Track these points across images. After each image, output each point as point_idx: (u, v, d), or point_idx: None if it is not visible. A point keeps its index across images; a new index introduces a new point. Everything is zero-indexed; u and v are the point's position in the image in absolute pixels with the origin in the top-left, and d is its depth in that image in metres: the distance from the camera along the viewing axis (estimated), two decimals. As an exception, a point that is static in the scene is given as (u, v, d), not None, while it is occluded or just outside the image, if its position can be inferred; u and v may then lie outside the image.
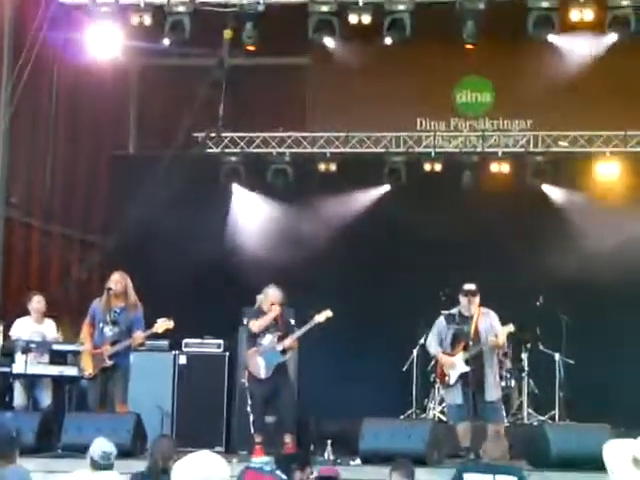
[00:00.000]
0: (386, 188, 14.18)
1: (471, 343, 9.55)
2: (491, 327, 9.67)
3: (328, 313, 9.93)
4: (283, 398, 9.83)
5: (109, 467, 7.28)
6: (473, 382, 9.46)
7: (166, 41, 11.87)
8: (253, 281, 12.75)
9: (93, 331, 10.05)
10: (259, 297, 10.15)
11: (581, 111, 13.95)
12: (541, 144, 14.11)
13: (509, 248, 13.27)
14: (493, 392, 9.62)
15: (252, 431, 9.81)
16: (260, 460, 7.54)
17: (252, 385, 9.93)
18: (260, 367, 9.89)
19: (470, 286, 9.73)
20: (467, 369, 9.49)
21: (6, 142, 13.12)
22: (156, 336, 10.49)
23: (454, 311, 9.83)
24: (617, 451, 3.77)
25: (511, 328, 9.70)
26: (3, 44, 13.08)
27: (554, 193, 13.83)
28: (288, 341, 9.91)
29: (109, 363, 9.85)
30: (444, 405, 11.27)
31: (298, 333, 9.92)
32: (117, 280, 10.00)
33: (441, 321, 9.85)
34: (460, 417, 9.59)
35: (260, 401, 9.82)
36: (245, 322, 10.29)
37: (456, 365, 9.58)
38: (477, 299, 9.70)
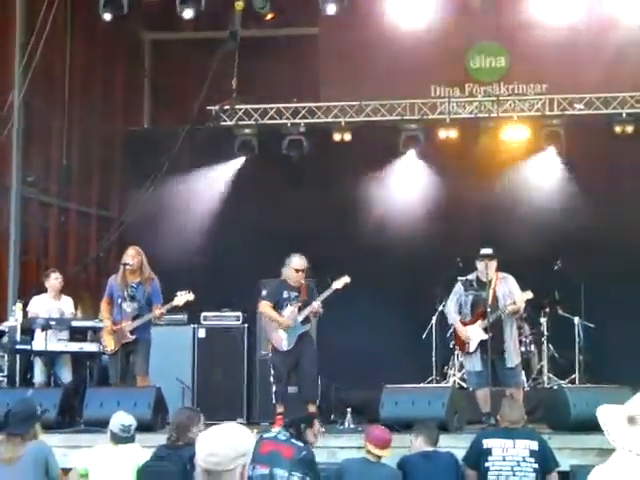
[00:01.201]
0: (403, 155, 14.11)
1: (489, 310, 9.53)
2: (509, 293, 9.64)
3: (346, 279, 9.90)
4: (305, 367, 9.81)
5: (130, 440, 7.35)
6: (492, 349, 9.44)
7: (188, 13, 11.68)
8: (269, 253, 12.80)
9: (112, 308, 10.07)
10: (284, 270, 10.08)
11: (596, 73, 13.80)
12: (557, 107, 14.00)
13: (526, 212, 13.22)
14: (513, 358, 9.61)
15: (274, 401, 9.81)
16: (274, 430, 7.54)
17: (275, 356, 9.93)
18: (282, 339, 9.88)
19: (487, 250, 9.70)
20: (486, 336, 9.47)
21: (21, 120, 13.15)
22: (175, 310, 10.51)
23: (471, 277, 9.80)
24: (612, 412, 3.77)
25: (529, 295, 9.66)
26: (15, 20, 13.10)
27: (570, 157, 13.73)
28: (307, 311, 9.89)
29: (131, 338, 9.88)
30: (464, 372, 11.28)
31: (316, 302, 9.89)
32: (132, 255, 10.01)
33: (459, 287, 9.83)
34: (480, 383, 9.59)
35: (283, 372, 9.81)
36: (262, 295, 10.28)
37: (475, 333, 9.57)
38: (494, 264, 9.67)
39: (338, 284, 9.88)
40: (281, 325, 9.83)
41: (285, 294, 9.96)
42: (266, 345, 11.62)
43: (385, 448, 7.40)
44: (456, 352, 11.72)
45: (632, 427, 3.82)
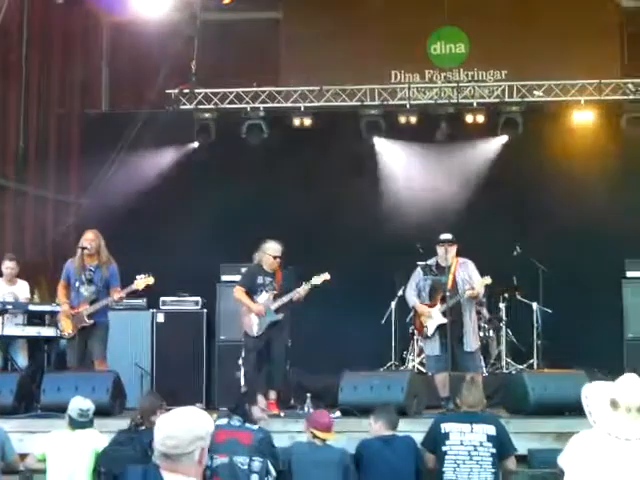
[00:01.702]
0: (363, 140, 14.10)
1: (448, 294, 9.56)
2: (469, 278, 9.68)
3: (326, 276, 9.86)
4: (273, 352, 9.80)
5: (88, 424, 7.30)
6: (451, 333, 9.48)
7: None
8: (227, 237, 12.76)
9: (68, 292, 9.98)
10: (256, 254, 10.01)
11: (556, 60, 13.89)
12: (516, 94, 14.06)
13: (485, 198, 13.27)
14: (472, 342, 9.66)
15: (241, 383, 9.78)
16: (224, 418, 7.50)
17: (246, 339, 9.93)
18: (253, 324, 9.85)
19: (446, 236, 9.73)
20: (445, 320, 9.51)
21: (-24, 104, 12.98)
22: (134, 294, 10.44)
23: (431, 262, 9.83)
24: (595, 393, 3.81)
25: (488, 280, 9.70)
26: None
27: (527, 143, 13.81)
28: (285, 299, 9.83)
29: (89, 322, 9.79)
30: (423, 356, 11.33)
31: (289, 295, 9.83)
32: (91, 239, 9.92)
33: (418, 272, 9.85)
34: (439, 368, 9.63)
35: (252, 356, 9.79)
36: (239, 281, 10.17)
37: (434, 316, 9.61)
38: (454, 249, 9.70)
39: (317, 280, 9.85)
40: (252, 312, 9.79)
41: (260, 279, 9.91)
42: (225, 330, 11.65)
43: (328, 431, 7.44)
44: (415, 337, 11.77)
45: (614, 411, 3.87)
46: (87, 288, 9.86)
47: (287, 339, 10.03)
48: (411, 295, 9.88)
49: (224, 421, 7.32)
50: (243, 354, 9.91)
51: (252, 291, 9.92)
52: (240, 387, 9.62)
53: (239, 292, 9.99)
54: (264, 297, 9.87)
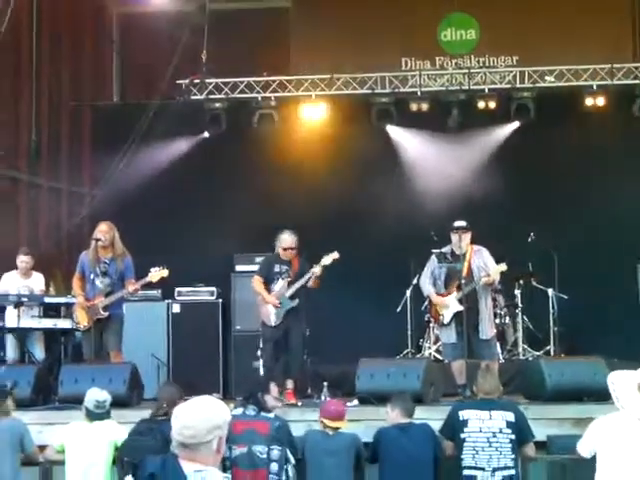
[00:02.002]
0: (375, 128, 14.08)
1: (463, 282, 9.53)
2: (484, 265, 9.64)
3: (335, 255, 9.85)
4: (290, 342, 9.81)
5: (104, 416, 7.32)
6: (467, 321, 9.46)
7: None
8: (242, 227, 12.77)
9: (83, 284, 9.97)
10: (275, 244, 10.06)
11: (567, 44, 13.83)
12: (527, 80, 14.01)
13: (499, 185, 13.23)
14: (488, 330, 9.62)
15: (262, 374, 9.80)
16: (239, 408, 7.51)
17: (264, 329, 9.95)
18: (270, 314, 9.87)
19: (460, 223, 9.69)
20: (461, 308, 9.48)
21: (-12, 96, 13.00)
22: (149, 286, 10.42)
23: (446, 249, 9.80)
24: (622, 379, 3.82)
25: (503, 267, 9.66)
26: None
27: (541, 128, 13.77)
28: (299, 284, 9.83)
29: (104, 315, 9.78)
30: (439, 344, 11.32)
31: (302, 280, 9.82)
32: (104, 231, 9.91)
33: (433, 260, 9.83)
34: (455, 355, 9.61)
35: (271, 344, 9.81)
36: (256, 270, 10.19)
37: (449, 304, 9.58)
38: (468, 236, 9.67)
39: (327, 260, 9.82)
40: (267, 303, 9.79)
41: (276, 267, 9.96)
42: (240, 320, 11.66)
43: (340, 420, 7.49)
44: (431, 325, 11.75)
45: None
46: (102, 280, 9.85)
47: (305, 328, 10.06)
48: (426, 284, 9.85)
49: (239, 411, 7.34)
50: (261, 344, 9.94)
51: (269, 280, 9.95)
52: (258, 377, 9.59)
53: (256, 282, 10.02)
54: (279, 285, 9.90)
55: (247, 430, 7.14)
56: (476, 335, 9.53)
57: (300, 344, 9.92)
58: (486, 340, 9.60)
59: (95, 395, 7.43)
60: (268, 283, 9.93)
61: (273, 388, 7.54)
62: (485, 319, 9.62)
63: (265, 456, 7.12)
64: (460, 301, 9.51)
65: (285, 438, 7.25)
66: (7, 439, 7.01)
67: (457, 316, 9.53)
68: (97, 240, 9.86)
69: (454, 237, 9.69)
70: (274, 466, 7.12)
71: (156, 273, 9.91)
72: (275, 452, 7.13)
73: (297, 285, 9.85)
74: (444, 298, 9.62)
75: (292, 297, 9.86)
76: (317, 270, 9.79)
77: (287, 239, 9.92)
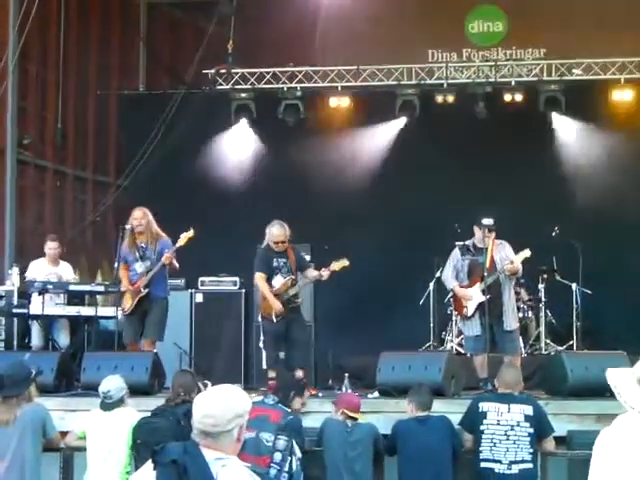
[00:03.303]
0: (402, 121, 14.04)
1: (486, 273, 9.49)
2: (506, 256, 9.58)
3: (344, 262, 9.59)
4: (294, 333, 9.65)
5: (115, 405, 7.34)
6: (490, 312, 9.41)
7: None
8: (268, 217, 12.75)
9: (129, 273, 9.96)
10: (266, 237, 9.79)
11: (595, 38, 13.74)
12: (554, 73, 13.93)
13: (523, 179, 13.18)
14: (511, 322, 9.54)
15: (265, 366, 9.73)
16: (260, 395, 7.54)
17: (264, 322, 9.77)
18: (272, 310, 9.66)
19: (488, 221, 9.56)
20: (484, 299, 9.43)
21: (15, 83, 13.06)
22: (174, 274, 10.31)
23: (468, 242, 9.76)
24: (621, 374, 3.79)
25: (527, 253, 9.54)
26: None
27: (568, 122, 13.69)
28: (297, 288, 9.64)
29: (144, 292, 9.76)
30: (461, 337, 11.29)
31: (304, 282, 9.70)
32: (140, 217, 9.88)
33: (456, 253, 9.78)
34: (477, 348, 9.56)
35: (272, 337, 9.66)
36: (256, 267, 9.93)
37: (473, 296, 9.53)
38: (493, 235, 9.59)
39: (336, 266, 9.58)
40: (273, 308, 9.54)
41: (274, 262, 9.68)
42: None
43: (358, 412, 7.58)
44: (454, 318, 11.72)
45: None
46: (141, 264, 9.85)
47: (304, 319, 9.90)
48: (449, 277, 9.80)
49: (259, 399, 7.38)
50: (263, 337, 9.74)
51: (268, 275, 9.68)
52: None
53: (261, 280, 9.69)
54: (279, 281, 9.62)
55: (259, 416, 7.17)
56: (500, 326, 9.48)
57: (305, 335, 9.82)
58: (510, 332, 9.53)
59: (101, 386, 7.48)
60: (267, 278, 9.69)
61: (305, 394, 7.56)
62: (509, 310, 9.55)
63: (270, 444, 7.16)
64: (483, 292, 9.45)
65: (294, 430, 7.28)
66: (29, 425, 7.06)
67: (481, 308, 9.48)
68: (132, 227, 9.85)
69: (478, 233, 9.62)
70: (277, 455, 7.14)
71: (183, 237, 9.85)
72: (281, 442, 7.15)
73: (301, 285, 9.72)
74: (467, 290, 9.58)
75: (295, 296, 9.66)
76: (325, 275, 9.61)
77: (278, 234, 9.60)
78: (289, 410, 7.34)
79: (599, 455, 3.75)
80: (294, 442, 7.22)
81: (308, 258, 10.26)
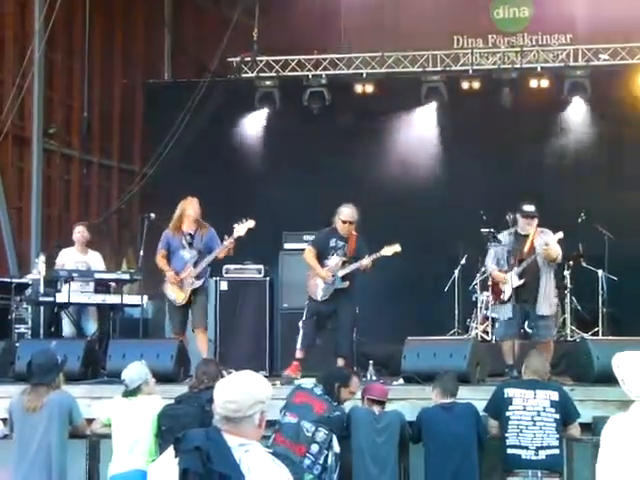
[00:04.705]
0: (429, 107, 13.97)
1: (524, 258, 9.44)
2: (544, 242, 9.48)
3: (397, 248, 9.59)
4: (340, 320, 9.60)
5: (136, 392, 7.36)
6: (526, 295, 9.36)
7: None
8: (291, 205, 12.77)
9: (168, 260, 9.90)
10: (334, 218, 9.72)
11: (622, 22, 13.62)
12: (581, 58, 13.84)
13: (550, 165, 13.11)
14: (545, 307, 9.46)
15: (298, 346, 9.59)
16: (311, 382, 7.48)
17: (310, 302, 9.71)
18: (318, 288, 9.63)
19: (530, 208, 9.51)
20: (520, 282, 9.37)
21: (42, 72, 13.13)
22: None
23: (511, 230, 9.71)
24: (626, 361, 3.75)
25: (560, 235, 9.51)
26: (34, -27, 13.03)
27: (594, 108, 13.60)
28: (352, 267, 9.58)
29: (199, 283, 9.78)
30: (486, 324, 11.26)
31: (365, 260, 9.54)
32: (196, 206, 9.90)
33: (494, 245, 9.70)
34: (507, 334, 9.47)
35: (315, 318, 9.61)
36: (310, 240, 10.02)
37: (509, 280, 9.45)
38: (535, 221, 9.52)
39: (388, 251, 9.58)
40: (319, 276, 9.63)
41: (332, 242, 9.65)
42: (287, 298, 11.63)
43: (386, 399, 7.59)
44: (479, 305, 11.69)
45: None
46: (189, 252, 9.84)
47: (355, 306, 9.82)
48: (489, 263, 9.76)
49: (309, 385, 7.36)
50: (304, 317, 9.69)
51: (323, 253, 9.66)
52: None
53: (309, 254, 9.73)
54: (334, 261, 9.62)
55: (305, 404, 7.17)
56: (533, 310, 9.41)
57: (350, 322, 9.68)
58: (543, 316, 9.43)
59: (123, 374, 7.49)
60: (321, 257, 9.66)
61: (354, 383, 7.53)
62: (543, 294, 9.44)
63: (310, 434, 7.10)
64: (520, 276, 9.40)
65: (337, 426, 7.22)
66: (56, 412, 7.10)
67: (516, 291, 9.41)
68: (181, 214, 9.83)
69: (522, 221, 9.55)
70: (314, 447, 7.08)
71: (242, 226, 9.80)
72: (321, 434, 7.09)
73: (351, 267, 9.61)
74: (505, 274, 9.50)
75: (344, 278, 9.63)
76: (373, 258, 9.55)
77: (347, 212, 9.62)
78: (335, 404, 7.29)
79: (607, 442, 3.73)
80: (334, 437, 7.20)
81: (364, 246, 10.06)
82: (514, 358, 9.28)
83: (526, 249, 9.44)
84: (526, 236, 9.50)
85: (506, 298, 9.48)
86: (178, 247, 9.88)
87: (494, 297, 10.14)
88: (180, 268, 9.84)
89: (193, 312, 9.86)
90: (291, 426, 7.10)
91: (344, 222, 9.63)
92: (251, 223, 9.83)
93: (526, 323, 9.52)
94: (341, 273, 9.61)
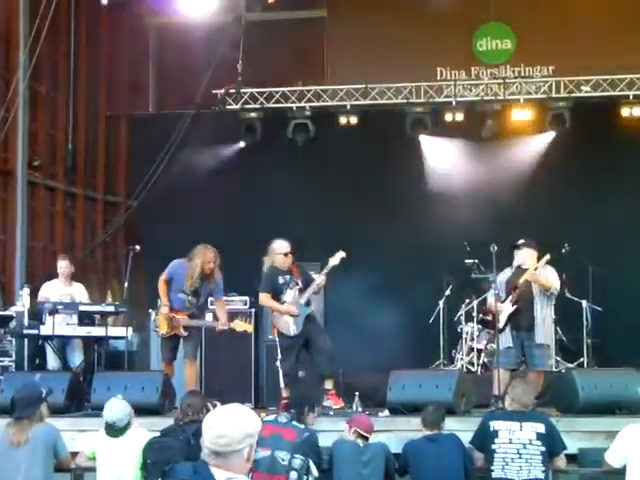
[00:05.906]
0: (409, 139, 14.06)
1: (519, 287, 9.48)
2: (541, 273, 9.52)
3: (341, 254, 9.64)
4: (318, 344, 9.59)
5: (123, 430, 7.31)
6: (521, 324, 9.40)
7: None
8: (278, 236, 12.74)
9: (168, 289, 9.84)
10: (266, 259, 9.80)
11: (604, 54, 13.75)
12: (563, 90, 13.95)
13: (533, 195, 13.17)
14: (541, 335, 9.45)
15: (282, 385, 9.66)
16: (272, 415, 7.50)
17: (282, 339, 9.72)
18: (289, 324, 9.66)
19: (518, 241, 9.65)
20: (512, 308, 9.42)
21: (26, 105, 13.14)
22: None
23: (513, 265, 9.76)
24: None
25: (547, 257, 9.58)
26: (19, 5, 13.06)
27: (576, 140, 13.69)
28: (310, 291, 9.67)
29: (184, 334, 9.71)
30: (471, 355, 11.25)
31: (320, 277, 9.64)
32: (213, 258, 9.77)
33: (495, 280, 9.74)
34: (505, 363, 9.46)
35: (291, 352, 9.62)
36: (261, 288, 9.92)
37: (504, 308, 9.51)
38: (527, 251, 9.53)
39: (335, 260, 9.63)
40: (284, 313, 9.67)
41: (281, 279, 9.71)
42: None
43: (371, 432, 7.54)
44: (464, 336, 11.70)
45: None
46: (190, 300, 9.81)
47: (323, 328, 9.91)
48: (489, 298, 9.88)
49: (271, 417, 7.36)
50: (280, 355, 9.70)
51: (277, 293, 9.71)
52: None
53: (265, 298, 9.76)
54: (290, 295, 9.68)
55: (274, 435, 7.14)
56: (530, 339, 9.43)
57: (327, 342, 9.63)
58: (540, 345, 9.43)
59: (106, 415, 7.42)
60: (277, 296, 9.71)
61: (317, 409, 7.53)
62: (540, 324, 9.46)
63: (286, 463, 7.08)
64: (514, 303, 9.46)
65: (311, 449, 7.22)
66: (41, 445, 7.05)
67: (511, 319, 9.47)
68: (201, 267, 9.69)
69: (516, 253, 9.67)
70: (293, 474, 7.06)
71: (337, 256, 9.62)
72: (297, 461, 7.09)
73: (310, 290, 9.69)
74: (499, 303, 9.54)
75: (307, 304, 9.69)
76: (325, 272, 9.65)
77: (284, 244, 9.69)
78: (303, 427, 7.30)
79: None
80: (310, 461, 7.19)
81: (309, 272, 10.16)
82: (505, 388, 9.26)
83: (521, 280, 9.50)
84: (525, 269, 9.56)
85: (502, 326, 9.52)
86: (182, 289, 9.77)
87: (492, 326, 10.17)
88: (176, 306, 9.79)
89: (186, 343, 9.81)
90: (265, 459, 7.05)
91: (285, 255, 9.66)
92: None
93: (523, 351, 9.54)
94: (303, 300, 9.67)
